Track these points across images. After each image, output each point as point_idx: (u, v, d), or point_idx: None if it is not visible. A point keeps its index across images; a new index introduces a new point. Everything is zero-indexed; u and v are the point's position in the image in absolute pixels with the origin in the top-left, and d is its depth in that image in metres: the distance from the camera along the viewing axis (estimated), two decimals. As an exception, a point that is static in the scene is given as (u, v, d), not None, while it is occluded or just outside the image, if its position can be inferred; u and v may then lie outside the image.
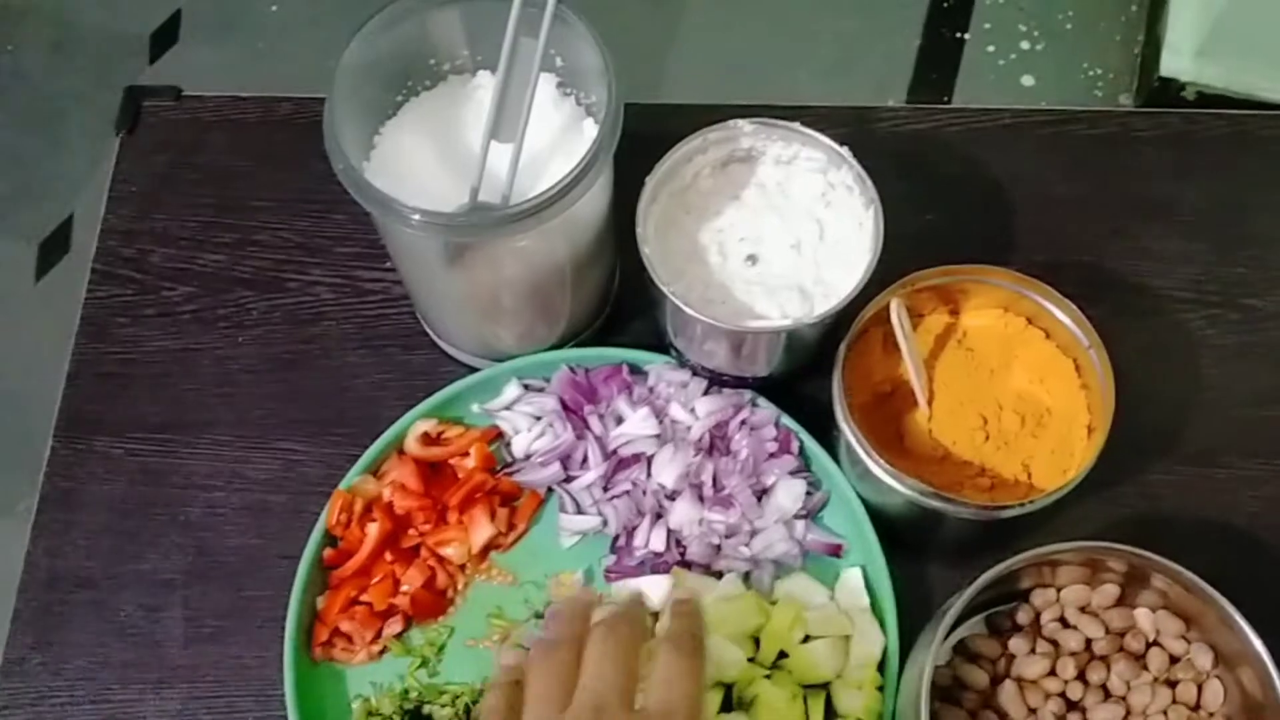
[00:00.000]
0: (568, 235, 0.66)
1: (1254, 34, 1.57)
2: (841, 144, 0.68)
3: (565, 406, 0.72)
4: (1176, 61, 1.66)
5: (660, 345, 0.73)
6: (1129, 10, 1.88)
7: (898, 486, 0.64)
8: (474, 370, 0.74)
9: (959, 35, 1.90)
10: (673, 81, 1.86)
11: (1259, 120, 0.82)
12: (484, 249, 0.64)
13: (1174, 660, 0.64)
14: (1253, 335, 0.76)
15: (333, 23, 1.91)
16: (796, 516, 0.70)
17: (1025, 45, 1.88)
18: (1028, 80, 1.86)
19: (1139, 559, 0.62)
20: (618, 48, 0.63)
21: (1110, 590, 0.65)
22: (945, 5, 1.91)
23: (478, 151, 0.64)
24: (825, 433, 0.70)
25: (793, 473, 0.70)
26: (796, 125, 0.68)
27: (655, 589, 0.67)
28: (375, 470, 0.71)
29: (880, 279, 0.65)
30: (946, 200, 0.81)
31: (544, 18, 0.61)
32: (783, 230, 0.69)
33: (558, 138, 0.67)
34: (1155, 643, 0.65)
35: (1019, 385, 0.69)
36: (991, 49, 1.88)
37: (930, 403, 0.68)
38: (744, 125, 0.69)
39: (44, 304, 1.72)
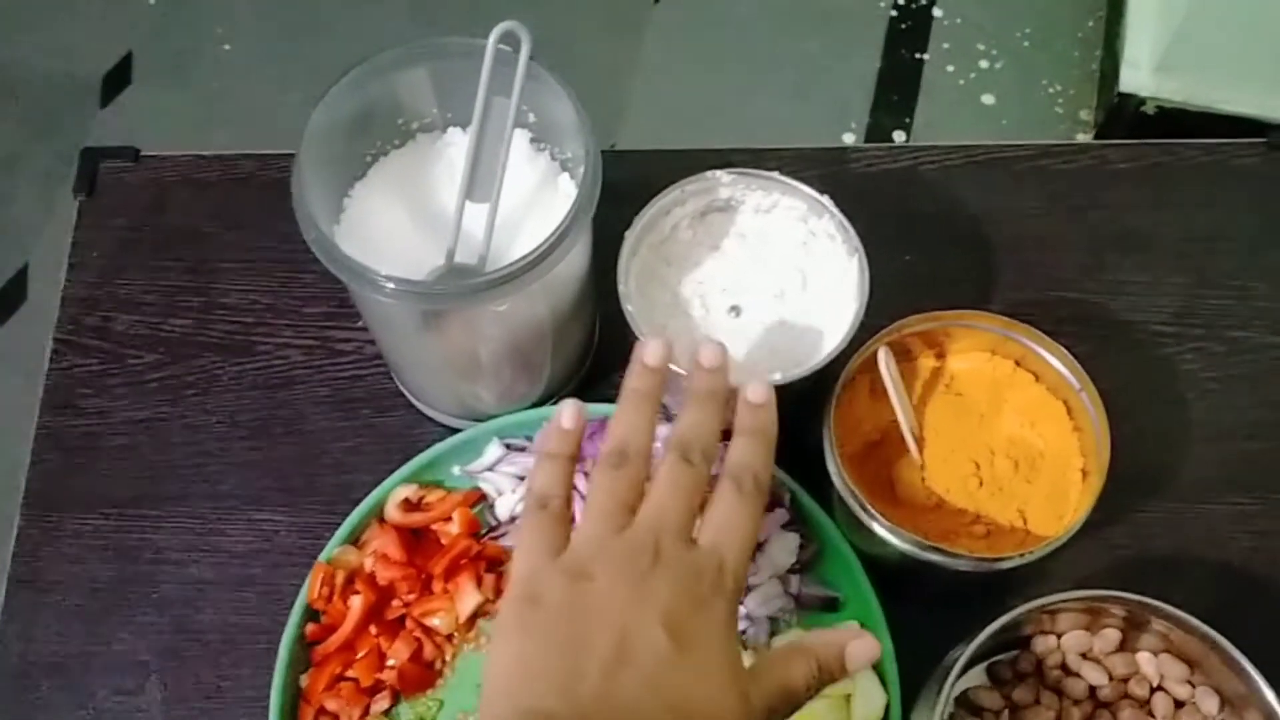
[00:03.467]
0: (548, 295, 0.65)
1: (1211, 48, 1.58)
2: (821, 191, 0.67)
3: (548, 464, 0.70)
4: (1135, 77, 1.67)
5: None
6: (1086, 27, 1.90)
7: (894, 540, 0.63)
8: (453, 431, 0.72)
9: (918, 56, 1.90)
10: (636, 112, 1.85)
11: (1234, 149, 0.81)
12: (461, 313, 0.62)
13: (1179, 705, 0.63)
14: (1237, 368, 0.76)
15: (287, 62, 1.90)
16: (790, 571, 0.68)
17: (984, 64, 1.89)
18: (988, 99, 1.87)
19: (1140, 605, 0.61)
20: (578, 84, 0.62)
21: (1112, 635, 0.65)
22: (904, 27, 1.92)
23: (451, 211, 0.62)
24: (815, 482, 0.68)
25: (785, 525, 0.69)
26: (775, 175, 0.67)
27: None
28: (355, 539, 0.69)
29: (863, 323, 0.64)
30: (925, 240, 0.80)
31: (516, 77, 0.60)
32: (765, 280, 0.68)
33: (533, 194, 0.66)
34: (1160, 687, 0.64)
35: (1010, 429, 0.68)
36: (951, 69, 1.89)
37: (922, 451, 0.67)
38: (722, 176, 0.67)
39: (1, 358, 1.68)
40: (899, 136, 1.87)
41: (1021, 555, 0.62)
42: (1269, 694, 0.58)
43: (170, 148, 0.83)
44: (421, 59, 0.64)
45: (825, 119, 1.87)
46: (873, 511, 0.63)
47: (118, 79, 1.91)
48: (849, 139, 1.88)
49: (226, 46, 1.94)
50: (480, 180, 0.62)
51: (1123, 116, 1.71)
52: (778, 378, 0.63)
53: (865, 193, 0.81)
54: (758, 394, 0.55)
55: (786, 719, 0.50)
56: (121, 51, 1.93)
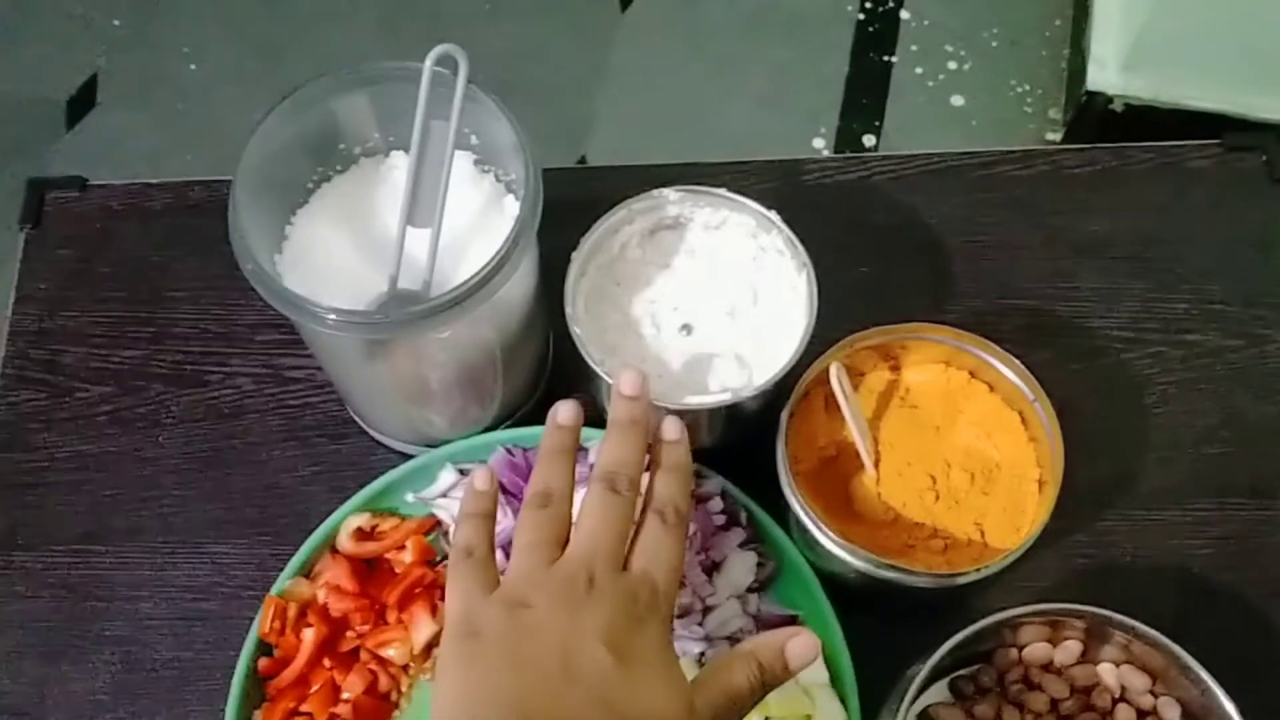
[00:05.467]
0: (495, 319, 0.64)
1: (1177, 45, 1.59)
2: (770, 206, 0.66)
3: (505, 490, 0.70)
4: (1103, 75, 1.68)
5: (600, 418, 0.70)
6: (1053, 26, 1.90)
7: (849, 559, 0.62)
8: (407, 457, 0.71)
9: (886, 59, 1.90)
10: (605, 123, 1.84)
11: (1187, 151, 0.81)
12: (407, 341, 0.61)
13: (1142, 715, 0.63)
14: (1194, 372, 0.75)
15: (255, 82, 1.89)
16: (749, 590, 0.68)
17: (953, 65, 1.89)
18: (957, 100, 1.87)
19: (1100, 618, 0.61)
20: (545, 96, 0.62)
21: (1073, 647, 0.64)
22: (871, 30, 1.92)
23: (395, 236, 0.61)
24: (772, 499, 0.68)
25: (742, 545, 0.68)
26: (722, 191, 0.66)
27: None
28: (308, 571, 0.68)
29: (818, 336, 0.63)
30: (880, 250, 0.79)
31: (454, 100, 0.59)
32: (716, 298, 0.67)
33: (477, 218, 0.65)
34: (1122, 699, 0.63)
35: (966, 441, 0.67)
36: (920, 71, 1.89)
37: (877, 465, 0.67)
38: (669, 193, 0.67)
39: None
40: (869, 140, 1.87)
41: (978, 570, 0.61)
42: (1228, 704, 0.58)
43: (136, 170, 0.82)
44: (360, 83, 0.63)
45: (795, 124, 1.86)
46: (827, 530, 0.62)
47: (83, 101, 1.90)
48: (819, 144, 1.88)
49: (193, 66, 1.93)
50: (422, 205, 0.61)
51: (1091, 115, 1.71)
52: (727, 397, 0.63)
53: (822, 204, 0.81)
54: (671, 431, 0.58)
55: None
56: (87, 74, 1.92)
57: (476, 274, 0.57)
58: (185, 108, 1.88)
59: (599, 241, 0.67)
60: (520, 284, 0.64)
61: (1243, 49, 1.55)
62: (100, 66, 1.93)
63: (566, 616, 0.49)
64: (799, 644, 0.53)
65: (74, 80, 1.92)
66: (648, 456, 0.57)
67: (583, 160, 1.80)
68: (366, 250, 0.65)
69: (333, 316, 0.57)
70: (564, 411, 0.58)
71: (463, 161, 0.66)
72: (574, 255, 0.65)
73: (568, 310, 0.63)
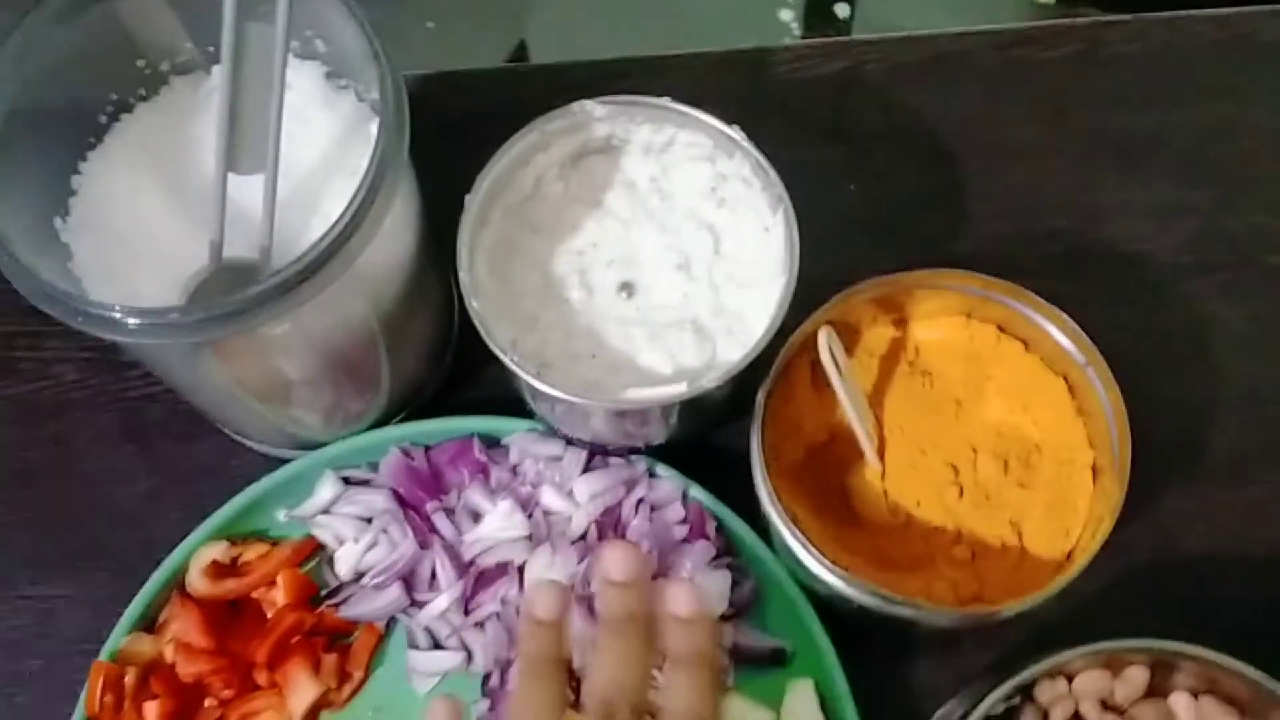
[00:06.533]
0: (367, 288, 0.48)
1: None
2: (731, 117, 0.49)
3: (402, 503, 0.54)
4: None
5: (523, 404, 0.55)
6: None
7: (851, 593, 0.47)
8: (277, 462, 0.55)
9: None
10: (543, 10, 1.65)
11: (1255, 19, 0.65)
12: (243, 337, 0.44)
13: (1228, 763, 0.49)
14: (1277, 305, 0.60)
15: None
16: (722, 618, 0.53)
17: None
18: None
19: (1172, 653, 0.47)
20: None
21: (1137, 677, 0.51)
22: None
23: (214, 188, 0.44)
24: (750, 500, 0.52)
25: (711, 561, 0.53)
26: (665, 101, 0.50)
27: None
28: (152, 622, 0.53)
29: (799, 290, 0.48)
30: (873, 163, 0.63)
31: (276, -9, 0.42)
32: (664, 245, 0.51)
33: (336, 150, 0.48)
34: (1200, 740, 0.50)
35: (996, 418, 0.52)
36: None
37: (881, 454, 0.51)
38: (594, 107, 0.50)
39: None
40: (842, 10, 1.68)
41: (1019, 602, 0.47)
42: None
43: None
44: (151, -29, 0.45)
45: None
46: (817, 553, 0.47)
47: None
48: (787, 16, 1.68)
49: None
50: (247, 143, 0.44)
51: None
52: (681, 389, 0.47)
53: (794, 107, 0.64)
54: (685, 604, 0.42)
55: None
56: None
57: (324, 235, 0.41)
58: None
59: (504, 176, 0.50)
60: (396, 242, 0.47)
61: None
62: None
63: None
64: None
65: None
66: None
67: (521, 49, 1.61)
68: (188, 206, 0.48)
69: (134, 321, 0.40)
70: (543, 602, 0.42)
71: (309, 77, 0.49)
72: (468, 199, 0.48)
73: (462, 276, 0.47)
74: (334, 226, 0.41)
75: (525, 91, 0.54)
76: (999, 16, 1.41)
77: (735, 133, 0.49)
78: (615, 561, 0.42)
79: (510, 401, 0.54)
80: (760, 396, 0.50)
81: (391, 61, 0.43)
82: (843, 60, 0.65)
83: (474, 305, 0.47)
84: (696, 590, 0.42)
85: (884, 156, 0.63)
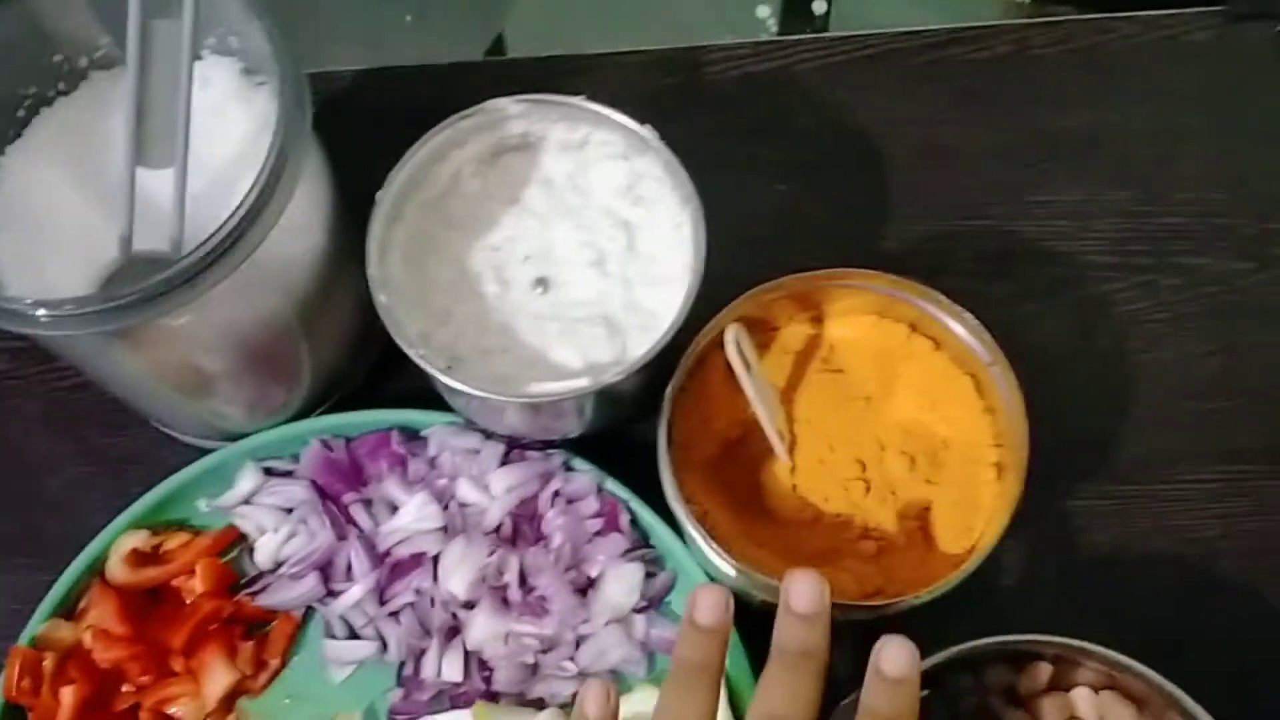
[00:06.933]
0: (278, 279, 0.48)
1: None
2: (660, 111, 0.51)
3: (322, 494, 0.55)
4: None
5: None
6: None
7: (753, 590, 0.48)
8: (203, 452, 0.56)
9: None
10: (519, 8, 1.65)
11: (1185, 22, 0.65)
12: (153, 327, 0.45)
13: (1125, 756, 0.50)
14: (1195, 304, 0.60)
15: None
16: (635, 610, 0.53)
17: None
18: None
19: (1075, 650, 0.47)
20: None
21: (1041, 671, 0.51)
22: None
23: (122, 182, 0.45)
24: (661, 491, 0.53)
25: (625, 553, 0.54)
26: (577, 100, 0.50)
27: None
28: (71, 609, 0.53)
29: (715, 286, 0.48)
30: (803, 162, 0.63)
31: (179, -12, 0.42)
32: (579, 242, 0.52)
33: (251, 145, 0.49)
34: (1101, 733, 0.50)
35: (905, 415, 0.53)
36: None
37: (792, 449, 0.52)
38: (509, 105, 0.50)
39: None
40: (819, 8, 1.68)
41: (916, 596, 0.48)
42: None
43: None
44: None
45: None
46: (719, 549, 0.48)
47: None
48: (764, 12, 1.68)
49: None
50: (156, 137, 0.45)
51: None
52: (584, 383, 0.47)
53: (727, 104, 0.65)
54: (898, 664, 0.39)
55: None
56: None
57: (222, 224, 0.42)
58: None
59: (418, 172, 0.51)
60: (307, 233, 0.48)
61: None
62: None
63: None
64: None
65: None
66: None
67: (499, 42, 1.61)
68: (104, 199, 0.48)
69: (41, 313, 0.41)
70: (705, 605, 0.40)
71: (225, 73, 0.49)
72: (379, 195, 0.49)
73: (371, 272, 0.48)
74: (232, 215, 0.42)
75: (463, 88, 0.54)
76: (978, 15, 1.41)
77: (646, 132, 0.50)
78: (802, 593, 0.41)
79: (433, 394, 0.55)
80: (668, 392, 0.50)
81: (292, 57, 0.44)
82: (777, 59, 0.66)
83: (381, 299, 0.47)
84: (913, 650, 0.39)
85: (815, 156, 0.64)
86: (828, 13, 1.67)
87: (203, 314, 0.45)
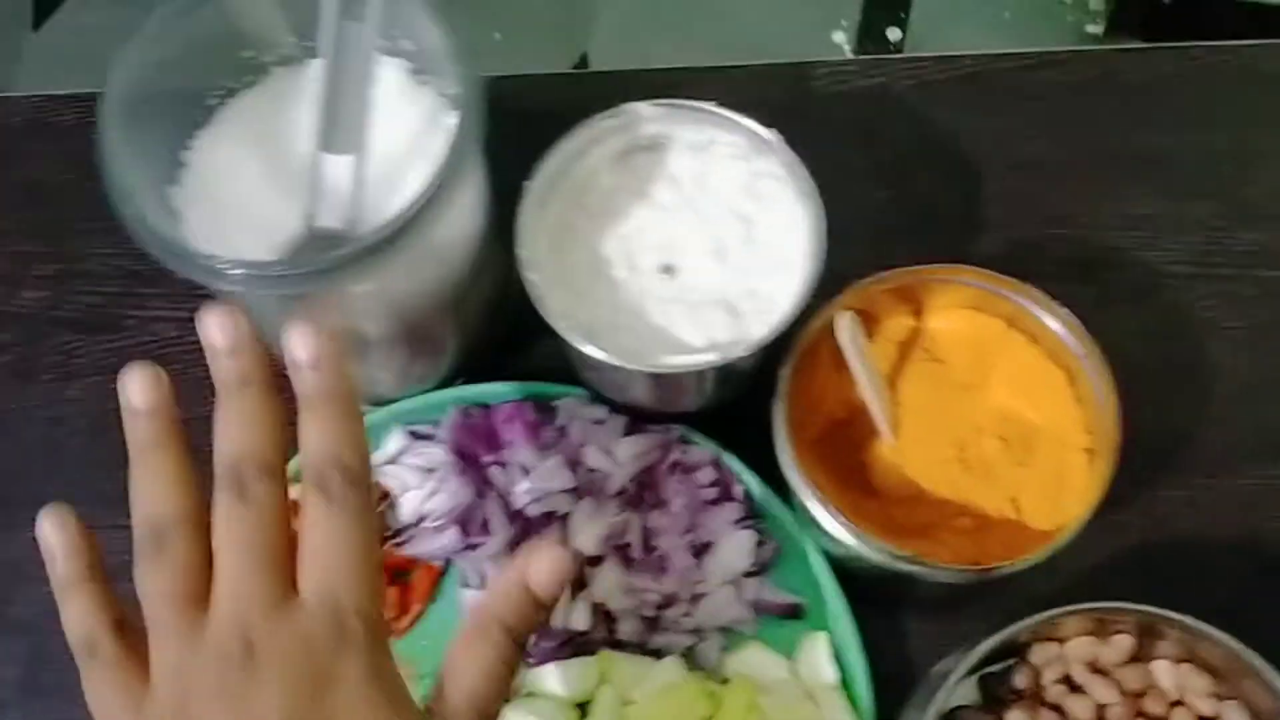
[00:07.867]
0: (439, 258, 0.54)
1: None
2: (770, 121, 0.55)
3: (461, 456, 0.60)
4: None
5: (572, 372, 0.60)
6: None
7: (861, 548, 0.52)
8: (351, 417, 0.61)
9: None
10: (609, 19, 1.71)
11: (1263, 51, 0.69)
12: (330, 293, 0.51)
13: (1201, 724, 0.53)
14: (1270, 313, 0.64)
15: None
16: (746, 575, 0.58)
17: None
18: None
19: (1156, 617, 0.51)
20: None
21: (1123, 643, 0.55)
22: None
23: (310, 165, 0.51)
24: (774, 468, 0.58)
25: (738, 521, 0.58)
26: (707, 105, 0.55)
27: (575, 675, 0.56)
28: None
29: (825, 278, 0.53)
30: (901, 171, 0.68)
31: (370, -4, 0.48)
32: (702, 233, 0.57)
33: (415, 139, 0.54)
34: (1179, 702, 0.54)
35: (999, 402, 0.57)
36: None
37: (896, 431, 0.57)
38: (643, 109, 0.56)
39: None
40: (894, 35, 1.73)
41: (1012, 564, 0.52)
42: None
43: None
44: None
45: (814, 15, 1.72)
46: (835, 514, 0.52)
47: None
48: (839, 38, 1.74)
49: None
50: (341, 127, 0.50)
51: (1136, 4, 1.56)
52: (713, 358, 0.52)
53: (832, 117, 0.69)
54: (301, 346, 0.40)
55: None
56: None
57: (403, 210, 0.47)
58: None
59: (562, 167, 0.56)
60: (467, 219, 0.53)
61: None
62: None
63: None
64: (542, 569, 0.41)
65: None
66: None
67: (584, 60, 1.67)
68: (283, 180, 0.54)
69: (239, 271, 0.47)
70: (136, 386, 0.40)
71: (394, 72, 0.55)
72: (528, 185, 0.54)
73: (522, 253, 0.53)
74: (415, 202, 0.47)
75: (585, 94, 0.59)
76: (1046, 43, 1.46)
77: (771, 135, 0.55)
78: (212, 324, 0.41)
79: (558, 371, 0.60)
80: (783, 373, 0.55)
81: (471, 61, 0.49)
82: (878, 76, 0.70)
83: (531, 277, 0.53)
84: (312, 331, 0.40)
85: (912, 165, 0.68)
86: (902, 39, 1.72)
87: (379, 284, 0.50)
